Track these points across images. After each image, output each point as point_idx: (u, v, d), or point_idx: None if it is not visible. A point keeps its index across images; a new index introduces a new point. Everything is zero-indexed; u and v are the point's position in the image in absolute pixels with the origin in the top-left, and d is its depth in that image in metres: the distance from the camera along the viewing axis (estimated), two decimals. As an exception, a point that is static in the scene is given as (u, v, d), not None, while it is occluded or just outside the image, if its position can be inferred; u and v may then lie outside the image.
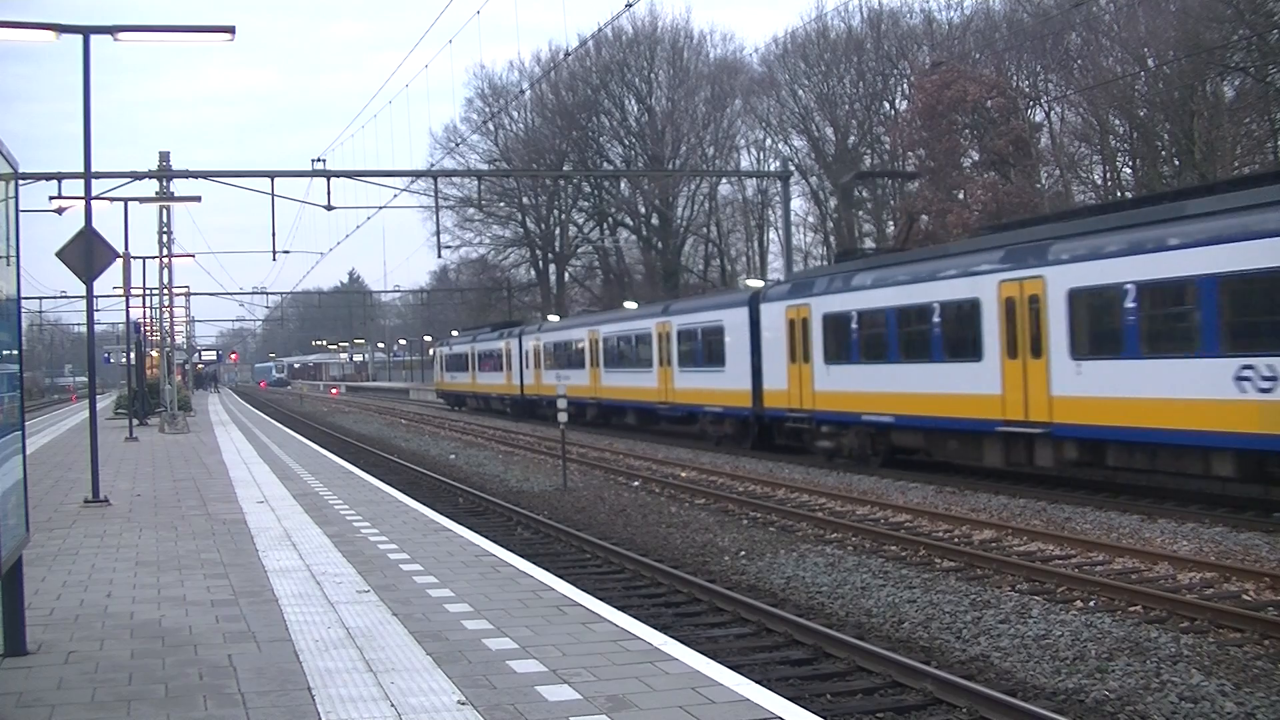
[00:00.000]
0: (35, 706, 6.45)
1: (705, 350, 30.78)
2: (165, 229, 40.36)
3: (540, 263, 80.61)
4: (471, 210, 71.51)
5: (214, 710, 6.30)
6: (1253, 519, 15.32)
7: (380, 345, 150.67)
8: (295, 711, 6.23)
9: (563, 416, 25.12)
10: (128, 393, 41.22)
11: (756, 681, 6.94)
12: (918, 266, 22.21)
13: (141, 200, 32.88)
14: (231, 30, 15.88)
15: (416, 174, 46.35)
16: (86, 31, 15.42)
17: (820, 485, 21.39)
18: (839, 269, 25.90)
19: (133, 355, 40.74)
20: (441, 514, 14.90)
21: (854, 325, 23.48)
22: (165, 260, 41.56)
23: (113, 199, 29.47)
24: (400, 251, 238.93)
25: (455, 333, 71.94)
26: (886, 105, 60.26)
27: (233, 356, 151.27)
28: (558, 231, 78.39)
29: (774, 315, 26.68)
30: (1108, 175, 46.71)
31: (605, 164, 72.18)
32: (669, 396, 33.17)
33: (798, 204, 63.78)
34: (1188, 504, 16.83)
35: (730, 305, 29.99)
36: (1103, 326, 17.17)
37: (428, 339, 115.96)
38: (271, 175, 35.15)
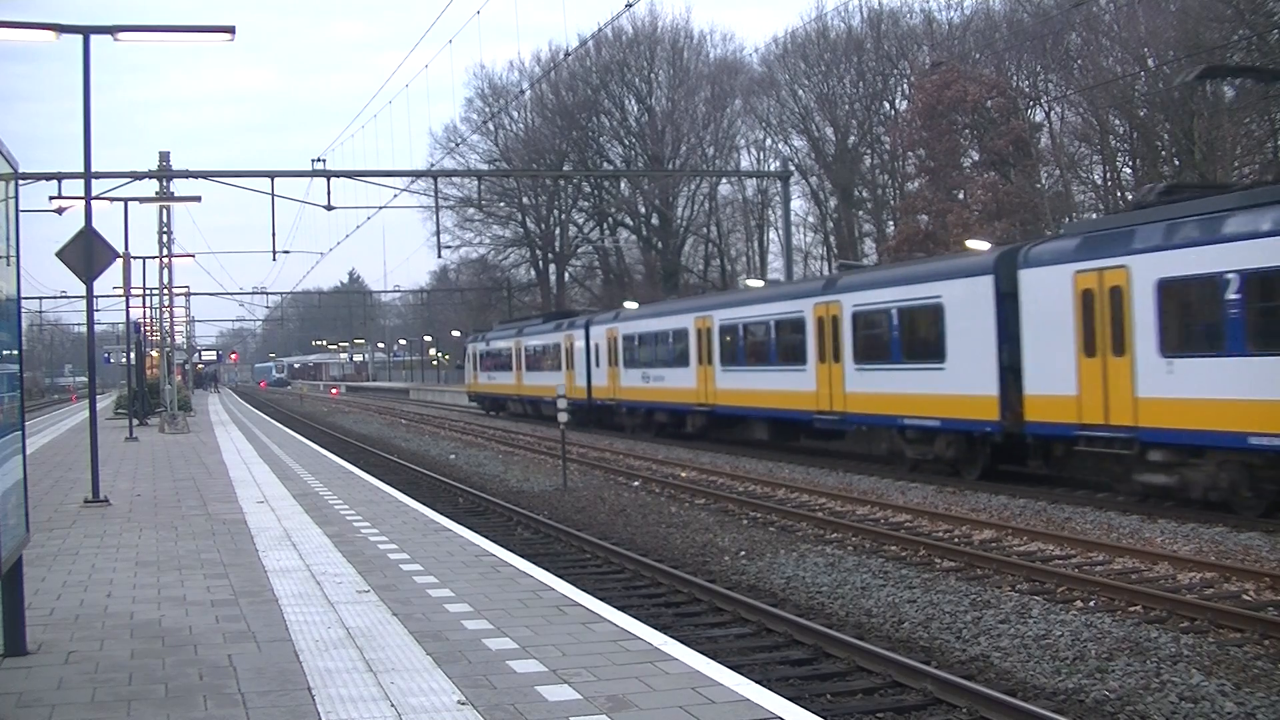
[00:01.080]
0: (35, 706, 6.45)
1: (905, 339, 22.56)
2: (165, 229, 40.39)
3: (540, 263, 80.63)
4: (471, 210, 71.56)
5: (214, 710, 6.30)
6: (1253, 519, 15.31)
7: (380, 345, 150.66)
8: (295, 711, 6.23)
9: (563, 416, 25.09)
10: (128, 393, 41.21)
11: (756, 681, 6.94)
12: None
13: (141, 200, 32.90)
14: (231, 30, 15.88)
15: (416, 174, 46.41)
16: (86, 31, 15.42)
17: (820, 485, 21.39)
18: (1178, 208, 16.65)
19: (133, 355, 40.73)
20: (441, 514, 14.90)
21: (1235, 294, 15.03)
22: (165, 260, 41.60)
23: (113, 199, 29.47)
24: (400, 251, 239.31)
25: (494, 325, 62.11)
26: (886, 105, 60.29)
27: (233, 356, 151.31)
28: (558, 231, 78.40)
29: (1050, 285, 18.35)
30: (1108, 175, 46.72)
31: (605, 164, 72.20)
32: (835, 403, 24.41)
33: (798, 204, 63.88)
34: (1188, 504, 16.81)
35: (956, 274, 21.46)
36: None
37: (427, 339, 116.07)
38: (271, 175, 35.17)
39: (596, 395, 38.62)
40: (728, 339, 29.98)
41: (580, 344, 40.11)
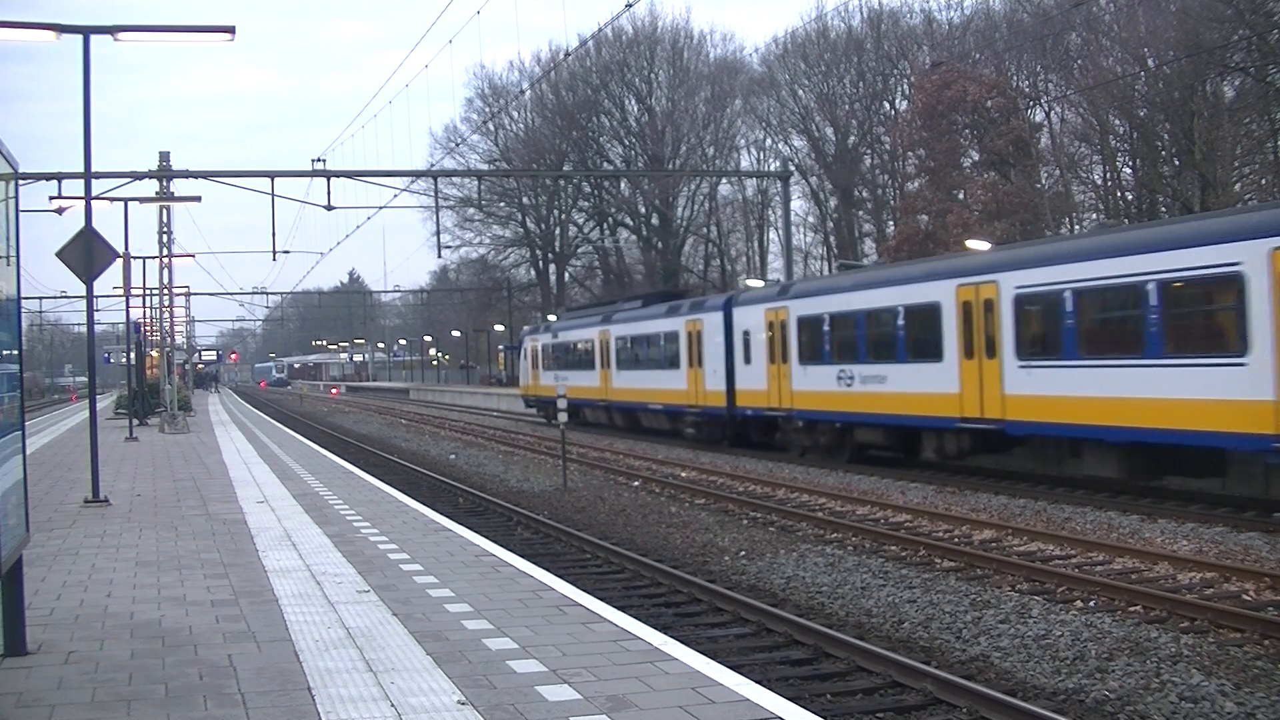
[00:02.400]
0: (35, 706, 6.45)
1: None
2: (165, 229, 40.38)
3: (540, 263, 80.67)
4: (471, 210, 71.61)
5: (214, 710, 6.30)
6: (1253, 519, 15.31)
7: (380, 345, 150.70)
8: (295, 711, 6.23)
9: (563, 416, 25.05)
10: (128, 393, 41.21)
11: (756, 681, 6.93)
12: None
13: (141, 200, 32.87)
14: (231, 30, 15.88)
15: (416, 174, 46.40)
16: (86, 31, 15.42)
17: (820, 485, 21.39)
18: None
19: (133, 355, 40.73)
20: (441, 514, 14.89)
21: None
22: (165, 260, 41.58)
23: (113, 199, 29.46)
24: (400, 251, 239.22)
25: (553, 316, 51.83)
26: (886, 105, 60.32)
27: (233, 356, 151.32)
28: (558, 231, 78.44)
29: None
30: (1108, 175, 46.76)
31: (605, 164, 72.23)
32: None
33: (798, 204, 63.91)
34: (1188, 504, 16.81)
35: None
36: None
37: (428, 339, 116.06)
38: (271, 175, 35.17)
39: (745, 403, 28.17)
40: (1034, 313, 19.02)
41: (715, 333, 29.60)
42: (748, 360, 28.06)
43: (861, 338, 23.52)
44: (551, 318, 54.68)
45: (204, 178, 36.47)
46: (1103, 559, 13.63)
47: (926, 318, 21.35)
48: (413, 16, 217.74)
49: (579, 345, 40.61)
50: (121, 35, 15.83)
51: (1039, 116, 48.51)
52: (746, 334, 28.15)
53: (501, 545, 12.30)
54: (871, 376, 22.90)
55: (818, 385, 24.90)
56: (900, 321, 22.20)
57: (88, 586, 9.98)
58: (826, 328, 24.63)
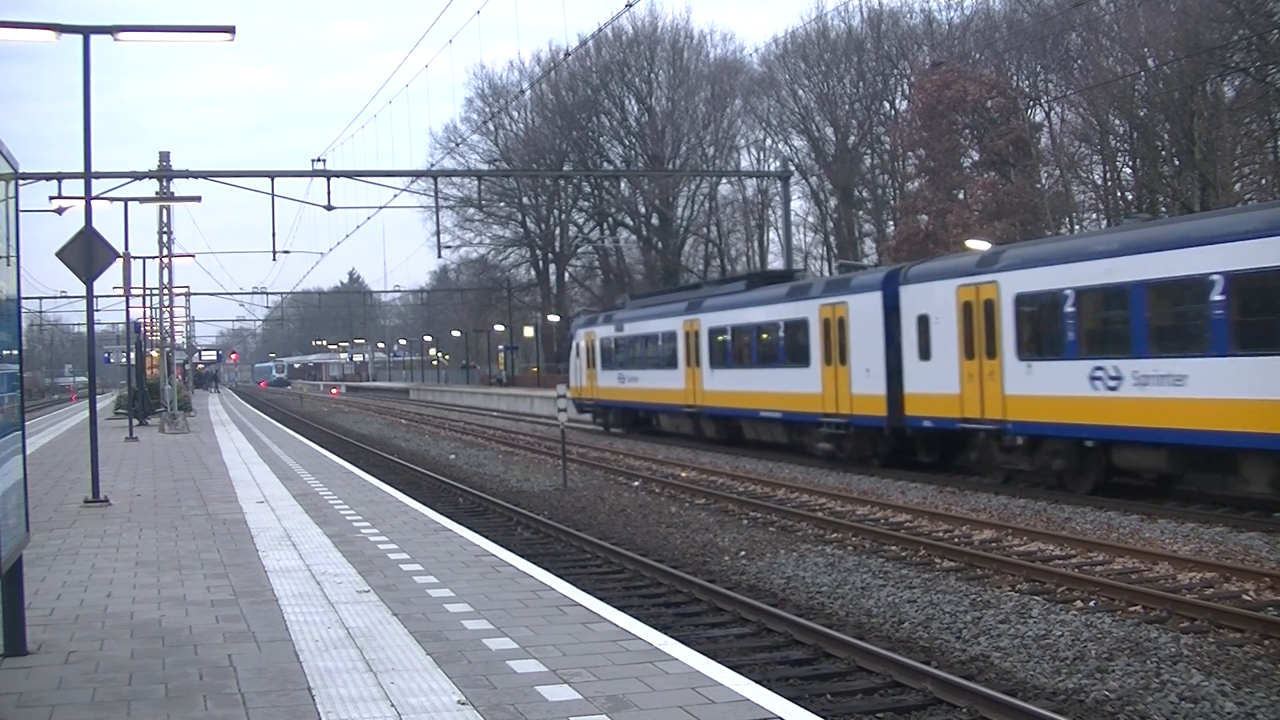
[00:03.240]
0: (35, 706, 6.45)
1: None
2: (165, 229, 40.39)
3: (540, 263, 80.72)
4: (471, 210, 71.64)
5: (214, 710, 6.30)
6: (1253, 519, 15.31)
7: (380, 345, 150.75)
8: (295, 711, 6.23)
9: (563, 417, 25.00)
10: (128, 393, 41.22)
11: (756, 681, 6.94)
12: None
13: (141, 200, 32.89)
14: (231, 30, 15.88)
15: (416, 174, 46.43)
16: (86, 31, 15.42)
17: (820, 485, 21.39)
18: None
19: (133, 355, 40.74)
20: (441, 514, 14.89)
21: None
22: (165, 260, 41.59)
23: (113, 199, 29.47)
24: (400, 251, 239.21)
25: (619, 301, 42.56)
26: (886, 105, 60.34)
27: (233, 356, 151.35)
28: (558, 231, 78.47)
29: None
30: (1108, 175, 46.76)
31: (605, 164, 72.26)
32: None
33: (798, 204, 63.91)
34: (1188, 504, 16.81)
35: None
36: None
37: (428, 339, 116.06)
38: (271, 175, 35.19)
39: (920, 410, 21.40)
40: None
41: (868, 319, 22.86)
42: (925, 354, 21.19)
43: (1137, 321, 16.77)
44: (601, 308, 47.62)
45: (204, 178, 36.50)
46: (1103, 559, 13.63)
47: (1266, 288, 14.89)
48: (413, 16, 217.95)
49: (653, 339, 33.58)
50: (121, 35, 15.83)
51: (1039, 116, 48.53)
52: (924, 320, 21.25)
53: (501, 545, 12.30)
54: (1152, 376, 16.37)
55: (1052, 388, 18.30)
56: (1217, 295, 15.27)
57: (88, 586, 9.98)
58: (1070, 308, 17.91)
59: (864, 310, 23.11)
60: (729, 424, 29.82)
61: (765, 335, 27.45)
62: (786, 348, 26.16)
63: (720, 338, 29.30)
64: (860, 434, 23.53)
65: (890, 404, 22.20)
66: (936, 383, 20.87)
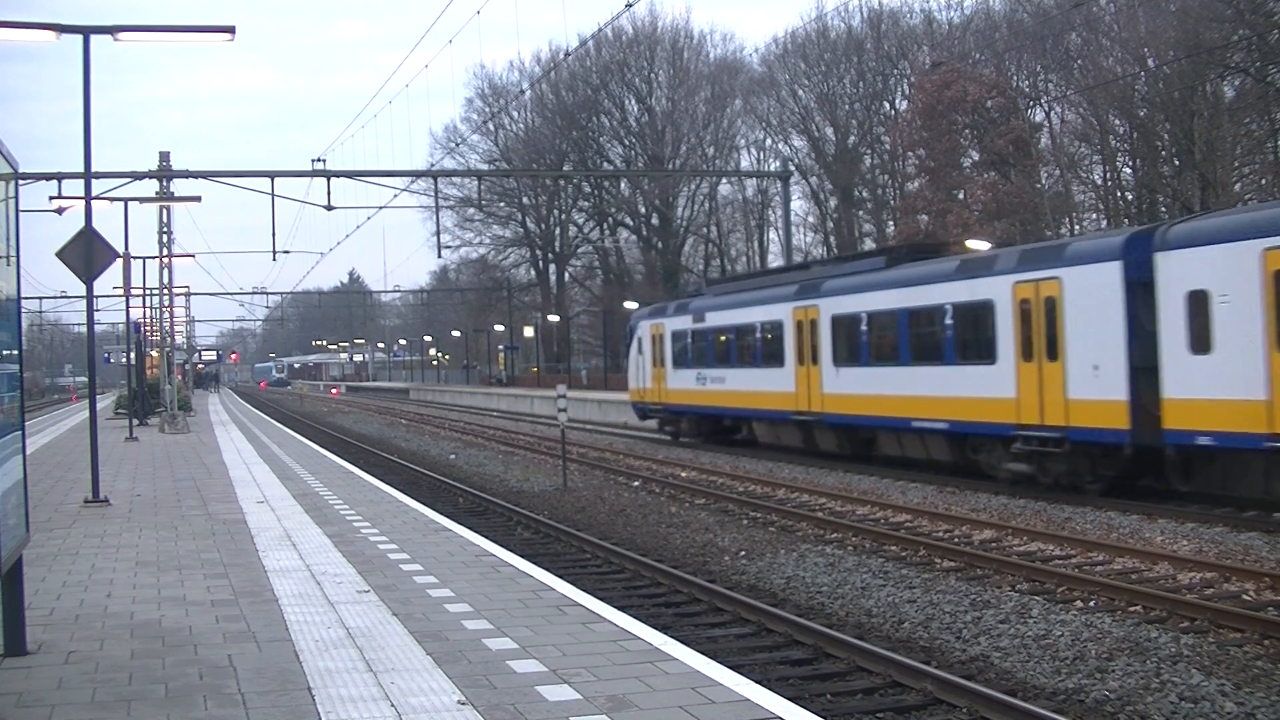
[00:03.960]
0: (35, 706, 6.45)
1: None
2: (165, 229, 40.39)
3: (540, 263, 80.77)
4: (471, 210, 71.71)
5: (214, 710, 6.30)
6: (1253, 519, 15.31)
7: (380, 345, 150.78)
8: (295, 711, 6.23)
9: (562, 417, 24.87)
10: (128, 393, 41.23)
11: (756, 681, 6.94)
12: None
13: (141, 200, 32.90)
14: (231, 30, 15.88)
15: (416, 174, 46.43)
16: (86, 31, 15.42)
17: (820, 485, 21.39)
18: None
19: (133, 355, 40.74)
20: (441, 514, 14.89)
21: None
22: (165, 260, 41.59)
23: (113, 199, 29.47)
24: (400, 251, 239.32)
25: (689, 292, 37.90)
26: (886, 105, 60.36)
27: (233, 356, 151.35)
28: (558, 231, 78.51)
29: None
30: (1108, 175, 46.76)
31: (605, 164, 72.29)
32: None
33: (798, 204, 63.92)
34: (1188, 504, 16.81)
35: None
36: None
37: (428, 339, 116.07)
38: (271, 175, 35.20)
39: (1193, 422, 15.98)
40: None
41: (1098, 300, 17.53)
42: (1202, 346, 15.79)
43: None
44: (671, 296, 41.58)
45: (204, 178, 36.52)
46: (1103, 559, 13.63)
47: None
48: (413, 16, 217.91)
49: (747, 331, 27.95)
50: (121, 35, 15.83)
51: (1039, 116, 48.55)
52: (1199, 297, 15.81)
53: (501, 545, 12.30)
54: None
55: None
56: None
57: (88, 586, 9.98)
58: None
59: (1090, 286, 17.54)
60: (856, 435, 24.08)
61: (921, 323, 21.61)
62: (956, 339, 20.47)
63: (850, 328, 23.46)
64: (1079, 452, 17.90)
65: (1135, 412, 16.82)
66: (1224, 384, 15.37)
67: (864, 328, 23.14)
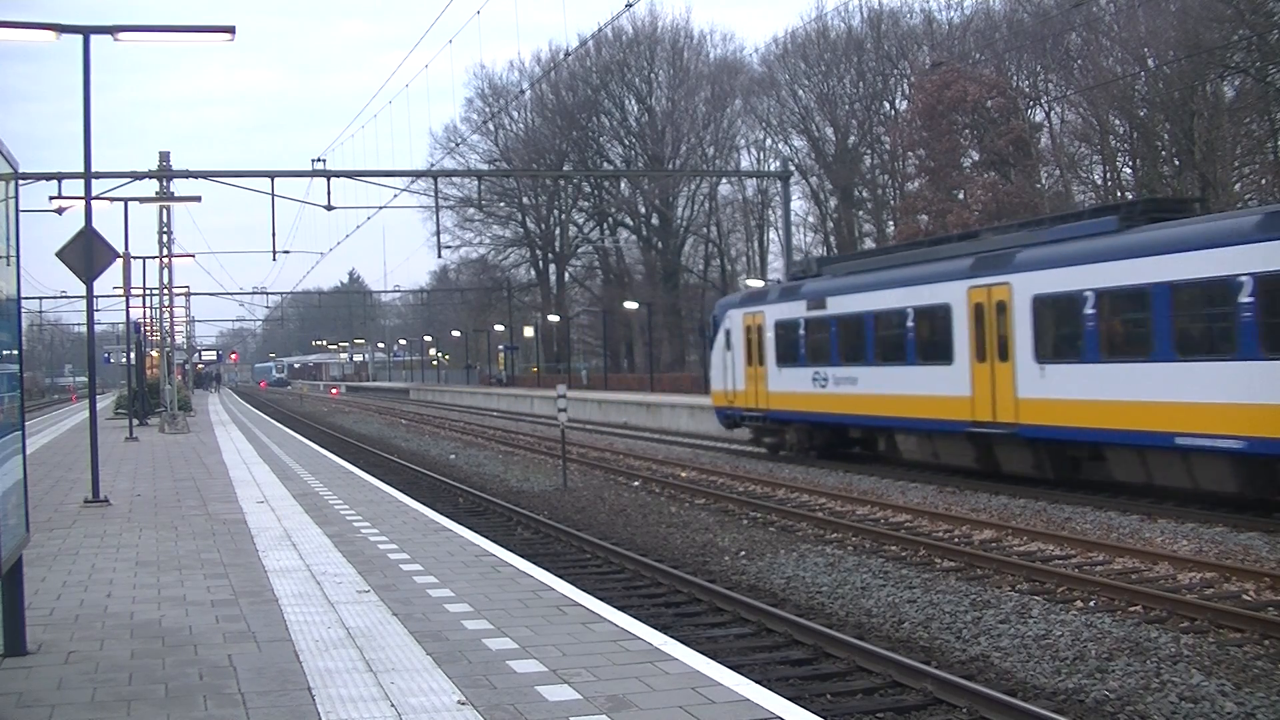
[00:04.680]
0: (35, 706, 6.45)
1: None
2: (165, 229, 40.37)
3: (540, 263, 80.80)
4: (471, 210, 71.73)
5: (214, 710, 6.30)
6: (1253, 519, 15.31)
7: (380, 345, 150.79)
8: (295, 711, 6.23)
9: (562, 417, 24.91)
10: (128, 393, 41.22)
11: (756, 681, 6.93)
12: None
13: (141, 200, 32.88)
14: (231, 30, 15.88)
15: (416, 174, 46.40)
16: (86, 31, 15.42)
17: (820, 485, 21.38)
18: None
19: (133, 355, 40.74)
20: (441, 514, 14.89)
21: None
22: (165, 260, 41.57)
23: (113, 199, 29.47)
24: (400, 251, 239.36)
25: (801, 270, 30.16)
26: (886, 105, 60.35)
27: (233, 356, 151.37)
28: (558, 231, 78.53)
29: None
30: (1108, 175, 46.77)
31: (605, 164, 72.30)
32: None
33: (798, 204, 63.91)
34: (1188, 504, 16.81)
35: None
36: None
37: (428, 339, 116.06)
38: (271, 175, 35.18)
39: None
40: None
41: None
42: None
43: None
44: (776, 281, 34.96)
45: (204, 178, 36.48)
46: (1103, 559, 13.63)
47: None
48: (413, 16, 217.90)
49: (894, 319, 22.22)
50: (121, 35, 15.83)
51: (1039, 116, 48.57)
52: None
53: (501, 545, 12.30)
54: None
55: None
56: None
57: (88, 586, 9.98)
58: None
59: None
60: (1064, 453, 18.79)
61: (1193, 303, 16.15)
62: (1263, 325, 14.76)
63: (1065, 311, 18.23)
64: None
65: None
66: None
67: (1089, 310, 17.58)
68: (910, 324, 21.74)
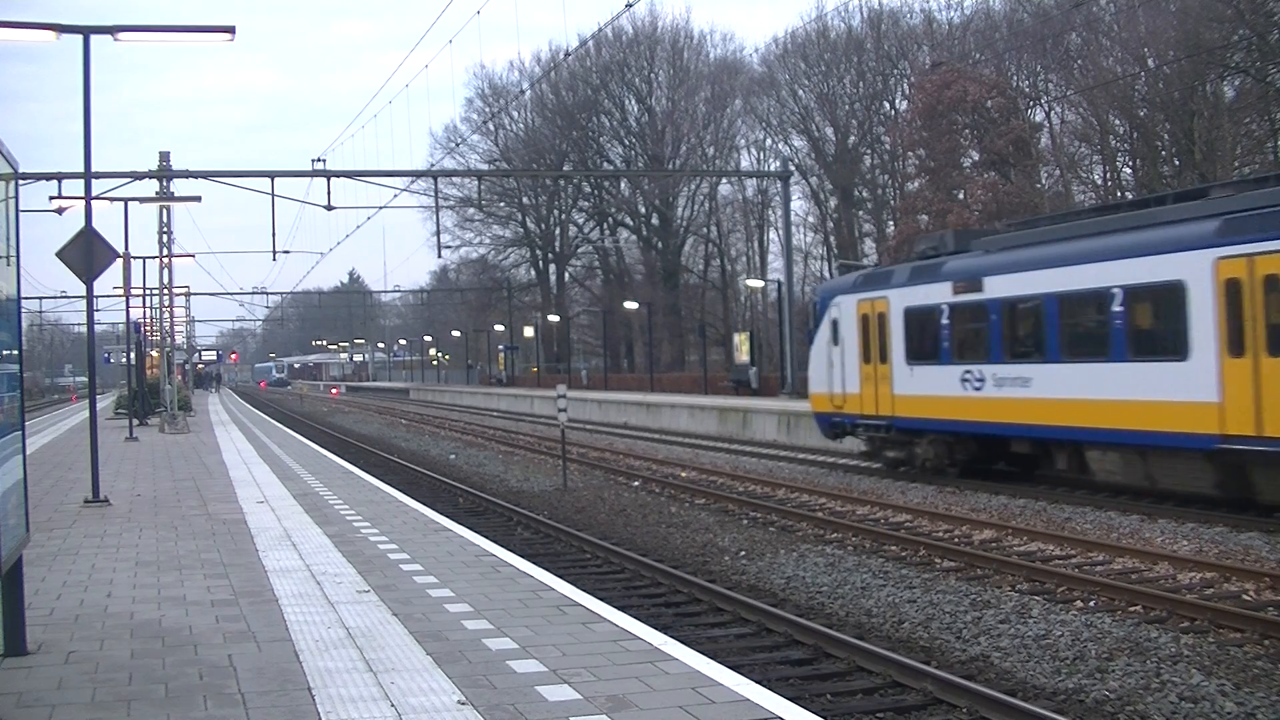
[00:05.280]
0: (35, 706, 6.45)
1: None
2: (165, 229, 40.38)
3: (540, 263, 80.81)
4: (471, 210, 71.72)
5: (214, 710, 6.30)
6: (1253, 519, 15.30)
7: (380, 345, 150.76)
8: (295, 711, 6.23)
9: (562, 417, 24.97)
10: (128, 393, 41.22)
11: (756, 681, 6.93)
12: None
13: (141, 200, 32.90)
14: (231, 30, 15.88)
15: (416, 174, 46.46)
16: (86, 31, 15.42)
17: (820, 485, 21.38)
18: None
19: (133, 355, 40.74)
20: (441, 514, 14.89)
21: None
22: (165, 260, 41.58)
23: (113, 199, 29.48)
24: (400, 251, 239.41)
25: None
26: (886, 105, 60.32)
27: (233, 356, 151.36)
28: (558, 231, 78.54)
29: None
30: (1108, 175, 46.75)
31: (605, 164, 72.30)
32: None
33: (798, 204, 63.90)
34: (1188, 504, 16.81)
35: None
36: None
37: (428, 339, 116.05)
38: (271, 175, 35.22)
39: None
40: None
41: None
42: None
43: None
44: (903, 259, 30.21)
45: (204, 178, 36.55)
46: (1103, 559, 13.63)
47: None
48: (413, 16, 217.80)
49: (1092, 303, 17.69)
50: (121, 35, 15.83)
51: (1039, 116, 48.54)
52: None
53: (501, 545, 12.30)
54: None
55: None
56: None
57: (88, 586, 9.98)
58: None
59: None
60: None
61: None
62: None
63: None
64: None
65: None
66: None
67: None
68: (1118, 308, 16.83)
